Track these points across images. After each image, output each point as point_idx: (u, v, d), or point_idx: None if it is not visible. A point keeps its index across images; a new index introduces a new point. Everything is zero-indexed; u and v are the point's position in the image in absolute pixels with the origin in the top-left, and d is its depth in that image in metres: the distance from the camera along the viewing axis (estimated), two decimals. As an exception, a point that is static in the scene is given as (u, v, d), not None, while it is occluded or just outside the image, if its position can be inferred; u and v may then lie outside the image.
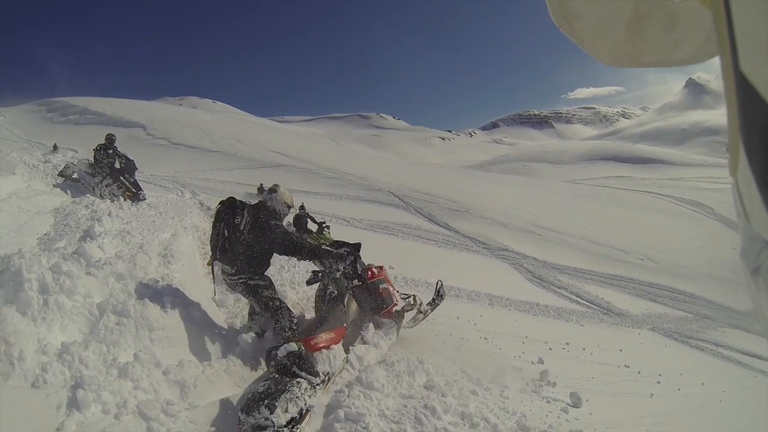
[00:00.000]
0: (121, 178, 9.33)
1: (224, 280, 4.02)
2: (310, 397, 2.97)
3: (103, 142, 9.69)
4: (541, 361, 5.46)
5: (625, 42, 0.87)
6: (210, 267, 4.25)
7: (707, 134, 68.78)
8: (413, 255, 6.59)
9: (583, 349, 6.55)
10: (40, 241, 4.89)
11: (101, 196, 8.69)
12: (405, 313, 4.61)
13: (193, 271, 5.98)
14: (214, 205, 11.63)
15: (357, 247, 4.25)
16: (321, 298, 4.67)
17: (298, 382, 2.98)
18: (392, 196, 20.23)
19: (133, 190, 9.27)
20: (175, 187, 16.28)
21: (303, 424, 2.81)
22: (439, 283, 5.32)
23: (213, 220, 4.07)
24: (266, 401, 2.72)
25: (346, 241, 4.72)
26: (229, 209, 3.91)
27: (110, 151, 9.51)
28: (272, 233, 3.74)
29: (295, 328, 3.76)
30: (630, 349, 7.39)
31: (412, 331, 5.05)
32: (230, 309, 5.16)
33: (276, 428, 2.62)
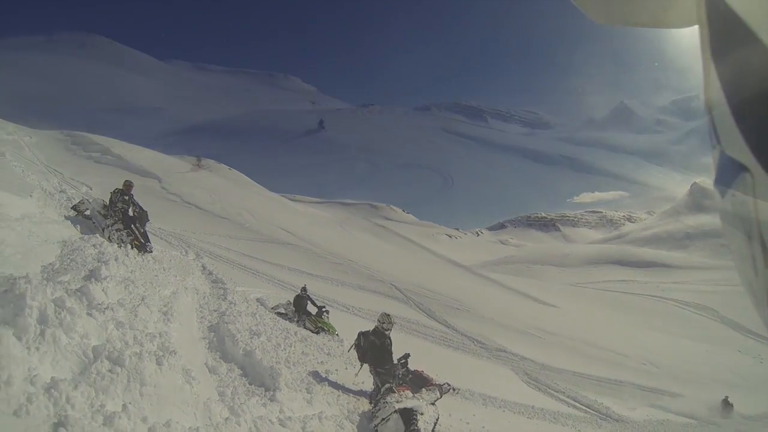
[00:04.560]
0: (132, 225, 9.31)
1: (372, 372, 6.69)
2: (399, 399, 5.71)
3: (121, 186, 9.80)
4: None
5: (617, 0, 0.86)
6: (360, 365, 7.03)
7: (710, 237, 68.33)
8: (410, 350, 6.84)
9: (580, 456, 6.07)
10: (44, 269, 4.78)
11: (109, 239, 8.61)
12: (443, 389, 6.69)
13: (190, 333, 5.81)
14: (216, 270, 11.52)
15: (407, 356, 6.87)
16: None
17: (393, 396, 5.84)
18: (394, 289, 19.94)
19: (142, 240, 9.24)
20: (180, 244, 16.26)
21: (400, 400, 5.63)
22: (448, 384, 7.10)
23: (355, 342, 7.07)
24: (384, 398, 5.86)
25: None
26: (365, 336, 6.90)
27: (126, 197, 9.59)
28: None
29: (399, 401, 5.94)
30: (629, 457, 6.84)
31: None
32: (222, 378, 5.01)
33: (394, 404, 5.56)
